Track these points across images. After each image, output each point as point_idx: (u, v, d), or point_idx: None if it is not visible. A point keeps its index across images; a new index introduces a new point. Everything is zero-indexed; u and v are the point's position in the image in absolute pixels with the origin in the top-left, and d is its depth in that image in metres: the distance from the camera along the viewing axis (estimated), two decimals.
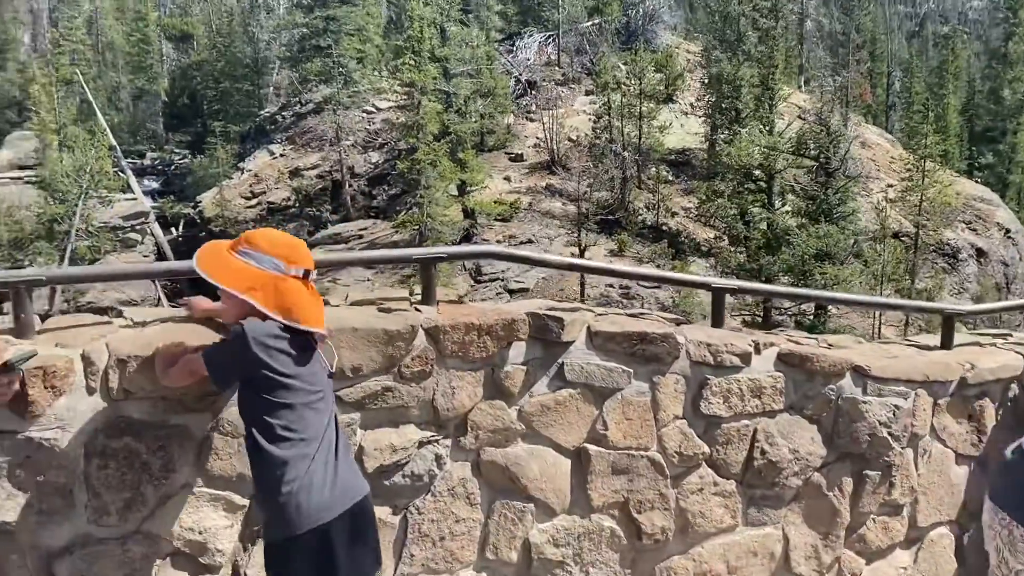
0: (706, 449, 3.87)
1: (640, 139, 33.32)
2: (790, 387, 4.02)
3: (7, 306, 3.21)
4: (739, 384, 3.89)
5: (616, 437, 3.69)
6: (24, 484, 2.82)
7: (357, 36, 42.14)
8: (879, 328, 26.89)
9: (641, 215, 32.41)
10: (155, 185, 46.51)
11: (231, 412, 3.07)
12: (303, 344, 2.71)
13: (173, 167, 50.58)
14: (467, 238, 29.04)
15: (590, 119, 35.12)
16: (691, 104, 38.34)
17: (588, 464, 3.67)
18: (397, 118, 30.77)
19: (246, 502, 3.14)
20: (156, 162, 52.75)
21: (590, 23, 43.08)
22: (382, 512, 3.37)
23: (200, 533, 3.07)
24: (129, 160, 46.69)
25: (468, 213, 29.99)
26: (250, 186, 37.61)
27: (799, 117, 32.94)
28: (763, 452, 3.96)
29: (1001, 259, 34.51)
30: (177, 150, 54.62)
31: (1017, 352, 4.62)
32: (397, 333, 3.27)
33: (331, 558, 2.63)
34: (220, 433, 3.07)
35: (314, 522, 2.60)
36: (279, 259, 2.73)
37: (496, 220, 30.42)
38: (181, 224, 39.13)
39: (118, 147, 43.37)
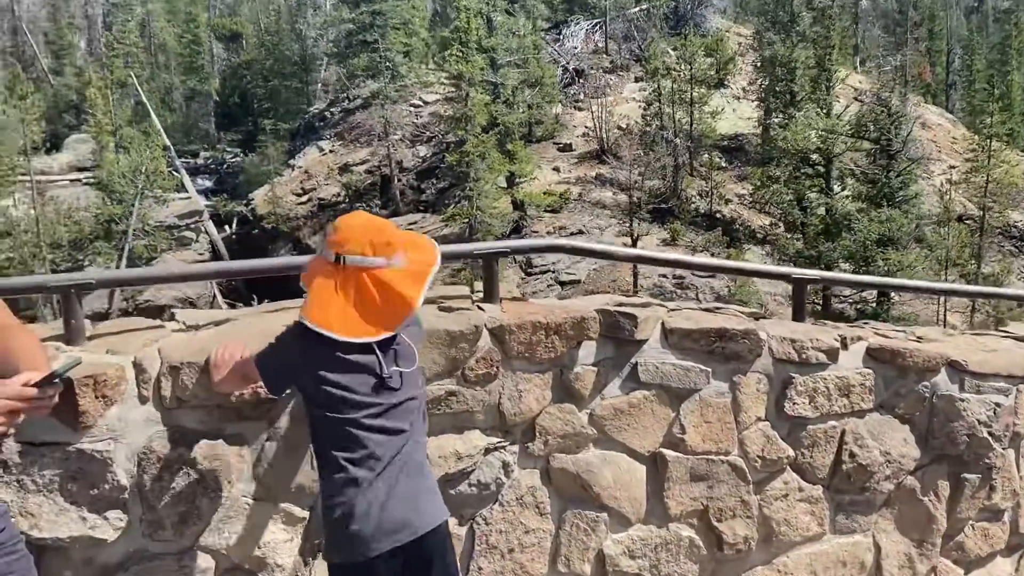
0: (791, 452, 3.61)
1: (691, 125, 32.73)
2: (880, 385, 3.74)
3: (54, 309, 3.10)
4: (826, 382, 3.62)
5: (694, 441, 3.45)
6: (76, 498, 2.68)
7: (403, 30, 42.17)
8: (944, 315, 26.03)
9: (694, 203, 31.86)
10: (208, 184, 47.22)
11: (286, 421, 2.91)
12: (349, 349, 2.37)
13: (225, 166, 51.29)
14: (516, 230, 28.83)
15: (640, 106, 34.60)
16: (743, 88, 37.57)
17: (665, 470, 3.44)
18: (445, 111, 30.66)
19: (306, 514, 2.97)
20: (209, 161, 53.56)
21: (638, 8, 42.48)
22: (448, 523, 3.18)
23: (259, 548, 2.91)
24: (183, 160, 47.52)
25: (517, 205, 29.76)
26: (301, 183, 37.90)
27: (856, 99, 32.04)
28: (852, 455, 3.69)
29: None
30: (229, 149, 55.40)
31: None
32: (460, 334, 3.07)
33: None
34: (276, 442, 2.91)
35: (359, 555, 2.36)
36: (326, 246, 2.41)
37: (546, 211, 30.15)
38: (234, 222, 39.62)
39: (172, 147, 44.15)
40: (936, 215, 28.22)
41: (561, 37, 42.62)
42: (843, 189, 27.12)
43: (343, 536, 2.38)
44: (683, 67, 33.18)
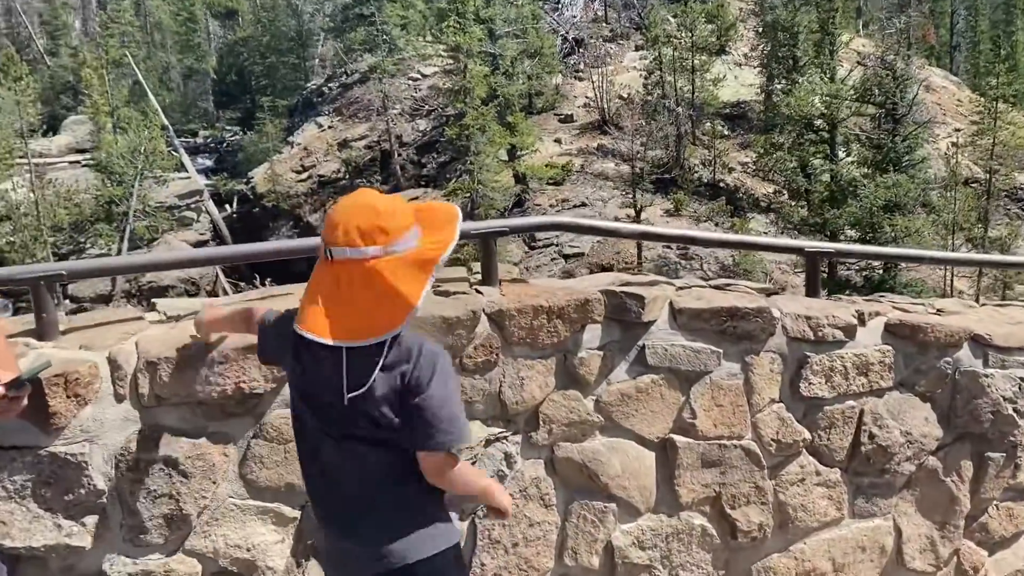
0: (807, 435, 3.44)
1: (693, 94, 32.25)
2: (900, 362, 3.56)
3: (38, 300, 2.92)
4: (843, 361, 3.44)
5: (706, 426, 3.28)
6: (50, 504, 2.53)
7: (400, 2, 41.58)
8: (951, 280, 25.79)
9: (697, 172, 31.49)
10: (209, 163, 46.85)
11: (274, 416, 2.75)
12: (318, 351, 1.92)
13: (225, 144, 50.89)
14: (519, 204, 28.56)
15: (641, 75, 34.09)
16: (745, 55, 36.99)
17: (675, 457, 3.27)
18: (443, 83, 30.25)
19: (297, 514, 2.82)
20: (209, 140, 53.16)
21: None
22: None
23: (248, 550, 2.76)
24: (183, 139, 47.15)
25: (519, 178, 29.44)
26: (300, 160, 37.56)
27: (859, 63, 31.53)
28: (871, 436, 3.52)
29: None
30: (228, 127, 54.97)
31: None
32: (457, 320, 2.89)
33: None
34: (264, 439, 2.75)
35: None
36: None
37: (548, 184, 29.82)
38: (235, 201, 39.36)
39: (170, 127, 43.78)
40: (942, 179, 27.86)
41: (560, 6, 42.00)
42: (848, 155, 26.76)
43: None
44: (684, 34, 32.62)
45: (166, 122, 42.89)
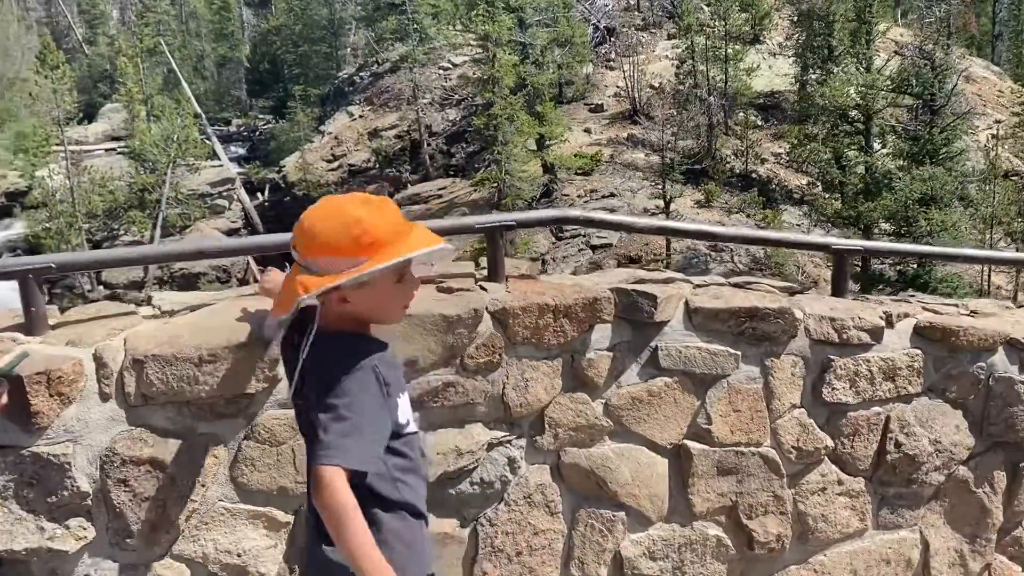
0: (829, 442, 3.27)
1: (726, 83, 31.79)
2: (929, 366, 3.38)
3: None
4: (869, 365, 3.27)
5: (722, 432, 3.13)
6: (33, 506, 2.44)
7: None
8: (989, 274, 25.18)
9: (729, 163, 31.04)
10: (242, 151, 47.18)
11: (266, 417, 2.64)
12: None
13: (258, 132, 51.20)
14: (547, 194, 28.36)
15: (673, 64, 33.68)
16: (779, 44, 36.39)
17: (689, 464, 3.12)
18: (473, 73, 30.09)
19: (290, 519, 2.71)
20: (241, 128, 53.55)
21: None
22: (449, 525, 2.91)
23: (239, 556, 2.66)
24: (216, 127, 47.55)
25: (547, 168, 29.22)
26: (331, 149, 37.66)
27: (897, 52, 30.85)
28: (897, 444, 3.34)
29: None
30: (261, 115, 55.31)
31: None
32: (458, 319, 2.76)
33: None
34: (256, 441, 2.64)
35: None
36: None
37: (577, 174, 29.57)
38: (267, 189, 39.58)
39: (203, 115, 44.12)
40: (981, 172, 27.19)
41: None
42: (883, 146, 26.18)
43: None
44: (717, 23, 32.15)
45: (199, 110, 43.23)
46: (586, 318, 2.93)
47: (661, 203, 27.10)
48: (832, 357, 3.22)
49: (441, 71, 38.44)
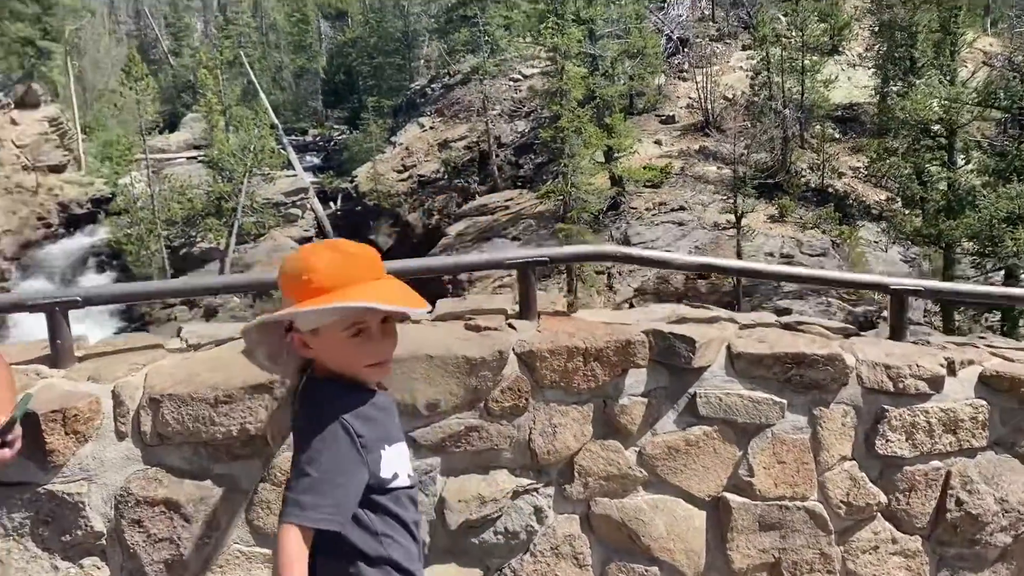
0: (883, 498, 3.06)
1: (803, 95, 31.01)
2: (996, 418, 3.13)
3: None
4: (927, 416, 3.04)
5: (765, 484, 2.95)
6: (48, 544, 2.43)
7: (504, 3, 41.61)
8: None
9: (804, 176, 30.26)
10: (316, 161, 48.19)
11: (283, 459, 2.58)
12: None
13: (333, 143, 52.21)
14: (614, 207, 28.06)
15: (747, 76, 33.06)
16: (859, 55, 35.40)
17: (728, 518, 2.95)
18: (542, 85, 30.04)
19: None
20: (317, 138, 54.68)
21: None
22: (472, 575, 2.80)
23: None
24: (292, 137, 48.64)
25: (615, 180, 28.93)
26: (401, 159, 38.09)
27: (985, 63, 29.69)
28: (959, 502, 3.10)
29: None
30: (336, 126, 56.38)
31: None
32: (481, 361, 2.66)
33: None
34: (272, 484, 2.58)
35: None
36: None
37: (645, 187, 29.20)
38: (339, 198, 40.27)
39: (280, 125, 45.21)
40: None
41: (666, 5, 41.17)
42: (967, 162, 25.15)
43: None
44: (794, 33, 31.40)
45: (275, 120, 44.30)
46: (619, 362, 2.79)
47: (732, 217, 26.54)
48: (887, 407, 3.01)
49: (511, 83, 38.54)
